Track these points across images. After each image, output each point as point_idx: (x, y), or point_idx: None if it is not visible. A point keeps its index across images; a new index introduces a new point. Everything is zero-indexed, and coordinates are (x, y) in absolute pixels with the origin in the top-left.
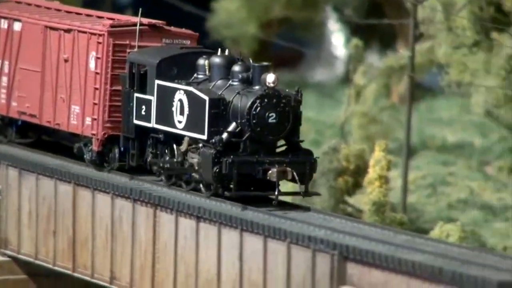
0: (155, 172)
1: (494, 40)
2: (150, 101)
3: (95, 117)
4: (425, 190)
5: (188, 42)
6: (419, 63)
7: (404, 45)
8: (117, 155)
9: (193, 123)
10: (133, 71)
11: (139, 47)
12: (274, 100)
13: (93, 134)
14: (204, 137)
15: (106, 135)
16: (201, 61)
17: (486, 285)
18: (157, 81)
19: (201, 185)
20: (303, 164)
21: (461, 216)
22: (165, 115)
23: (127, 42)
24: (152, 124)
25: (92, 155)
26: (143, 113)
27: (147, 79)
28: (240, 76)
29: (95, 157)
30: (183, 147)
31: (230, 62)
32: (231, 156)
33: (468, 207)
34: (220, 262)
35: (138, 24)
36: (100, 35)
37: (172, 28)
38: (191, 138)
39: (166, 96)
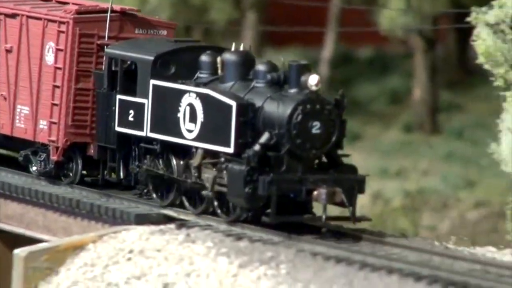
0: (140, 183)
1: None
2: (142, 105)
3: (55, 120)
4: None
5: (165, 33)
6: None
7: None
8: (80, 167)
9: (211, 133)
10: (113, 68)
11: (109, 38)
12: (318, 106)
13: (51, 141)
14: (230, 150)
15: (68, 143)
16: (205, 58)
17: (124, 216)
18: (152, 81)
19: (216, 206)
20: (350, 183)
21: None
22: (165, 122)
23: (95, 31)
24: (146, 132)
25: (46, 165)
26: (130, 119)
27: (138, 79)
28: (269, 77)
29: (52, 168)
30: (195, 161)
31: (248, 60)
32: (271, 174)
33: None
34: None
35: (109, 11)
36: (62, 22)
37: (147, 17)
38: (206, 150)
39: (167, 100)
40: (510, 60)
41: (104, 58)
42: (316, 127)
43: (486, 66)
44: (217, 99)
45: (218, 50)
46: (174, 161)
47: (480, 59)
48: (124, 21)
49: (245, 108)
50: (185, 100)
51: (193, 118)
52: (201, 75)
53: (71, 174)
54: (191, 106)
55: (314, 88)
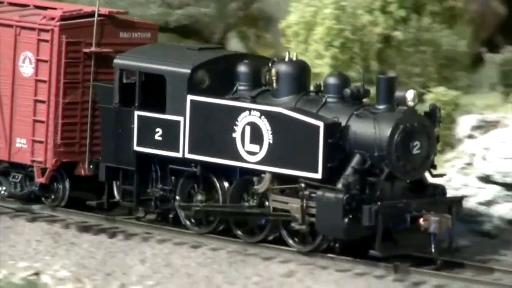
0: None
1: None
2: (176, 123)
3: (40, 139)
4: None
5: (149, 35)
6: None
7: None
8: (67, 188)
9: (286, 156)
10: (124, 80)
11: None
12: (417, 124)
13: (36, 162)
14: (318, 175)
15: (58, 163)
16: (245, 68)
17: None
18: (190, 97)
19: (286, 235)
20: (449, 206)
21: None
22: (212, 143)
23: (82, 39)
24: (182, 153)
25: (24, 187)
26: (157, 138)
27: (167, 93)
28: (348, 91)
29: (34, 190)
30: (262, 186)
31: (306, 71)
32: (378, 202)
33: None
34: None
35: (96, 15)
36: (44, 30)
37: (130, 18)
38: (275, 175)
39: (216, 118)
40: None
41: (115, 69)
42: (416, 147)
43: None
44: (296, 118)
45: (253, 59)
46: (218, 185)
47: None
48: (109, 25)
49: (333, 129)
50: (244, 118)
51: (256, 139)
52: (241, 87)
53: (53, 196)
54: (254, 125)
55: (411, 103)
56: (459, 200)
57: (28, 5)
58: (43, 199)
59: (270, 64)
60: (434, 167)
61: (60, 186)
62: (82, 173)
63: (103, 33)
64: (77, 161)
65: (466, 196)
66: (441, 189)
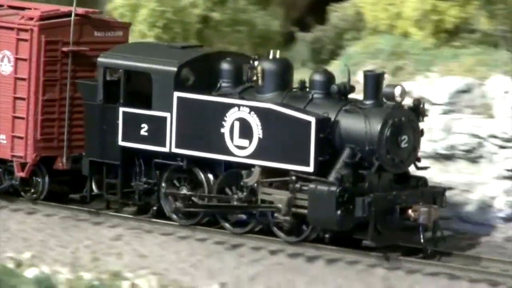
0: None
1: None
2: (162, 119)
3: (20, 135)
4: None
5: (121, 34)
6: None
7: None
8: (47, 181)
9: (277, 151)
10: (107, 78)
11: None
12: (404, 119)
13: (16, 157)
14: (309, 169)
15: (38, 158)
16: (228, 66)
17: None
18: (177, 94)
19: (273, 226)
20: (433, 197)
21: None
22: (200, 138)
23: (60, 38)
24: (169, 148)
25: (2, 181)
26: (143, 133)
27: (153, 90)
28: (335, 87)
29: (13, 184)
30: (252, 179)
31: (290, 68)
32: (371, 194)
33: None
34: None
35: (73, 15)
36: (23, 30)
37: (103, 18)
38: (265, 168)
39: (203, 114)
40: None
41: (99, 67)
42: (404, 141)
43: None
44: (287, 114)
45: (235, 56)
46: (203, 178)
47: None
48: (85, 25)
49: (324, 124)
50: (233, 114)
51: (245, 134)
52: (225, 84)
53: (32, 190)
54: (243, 121)
55: (399, 99)
56: (442, 191)
57: (2, 5)
58: (22, 193)
59: (252, 62)
60: (419, 159)
61: (39, 180)
62: (60, 167)
63: (79, 33)
64: (56, 156)
65: (449, 188)
66: (423, 181)
